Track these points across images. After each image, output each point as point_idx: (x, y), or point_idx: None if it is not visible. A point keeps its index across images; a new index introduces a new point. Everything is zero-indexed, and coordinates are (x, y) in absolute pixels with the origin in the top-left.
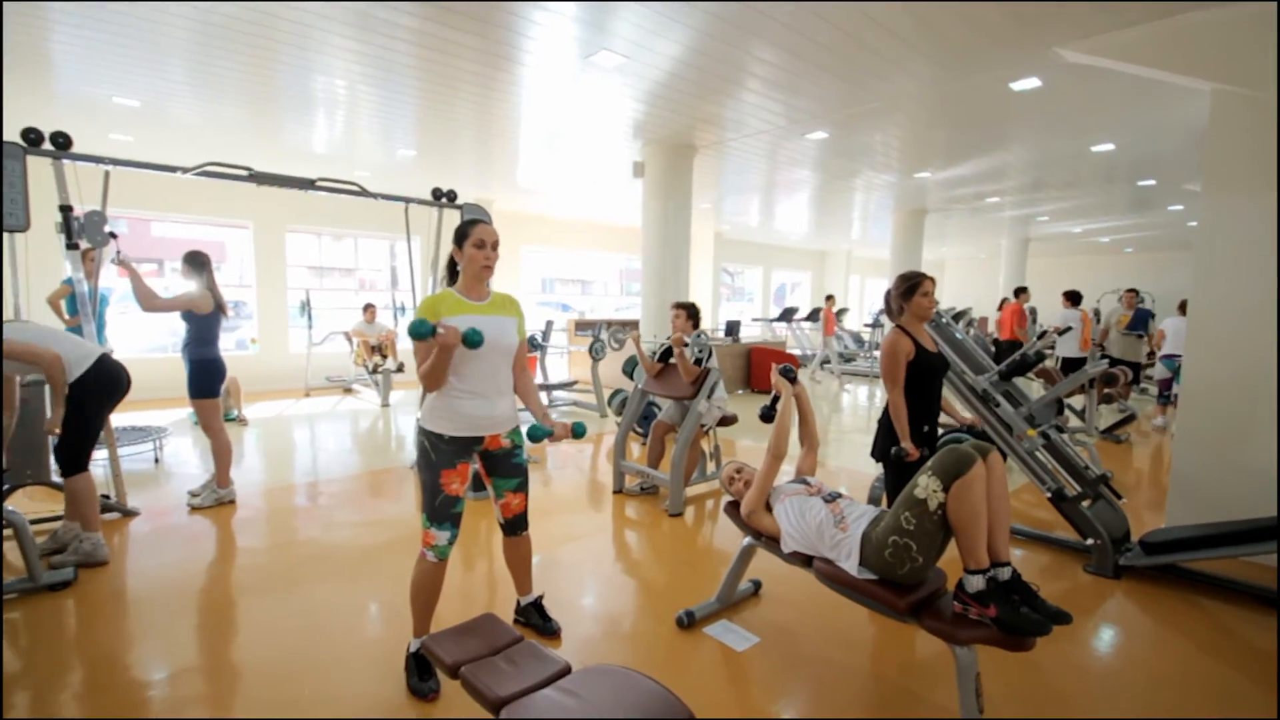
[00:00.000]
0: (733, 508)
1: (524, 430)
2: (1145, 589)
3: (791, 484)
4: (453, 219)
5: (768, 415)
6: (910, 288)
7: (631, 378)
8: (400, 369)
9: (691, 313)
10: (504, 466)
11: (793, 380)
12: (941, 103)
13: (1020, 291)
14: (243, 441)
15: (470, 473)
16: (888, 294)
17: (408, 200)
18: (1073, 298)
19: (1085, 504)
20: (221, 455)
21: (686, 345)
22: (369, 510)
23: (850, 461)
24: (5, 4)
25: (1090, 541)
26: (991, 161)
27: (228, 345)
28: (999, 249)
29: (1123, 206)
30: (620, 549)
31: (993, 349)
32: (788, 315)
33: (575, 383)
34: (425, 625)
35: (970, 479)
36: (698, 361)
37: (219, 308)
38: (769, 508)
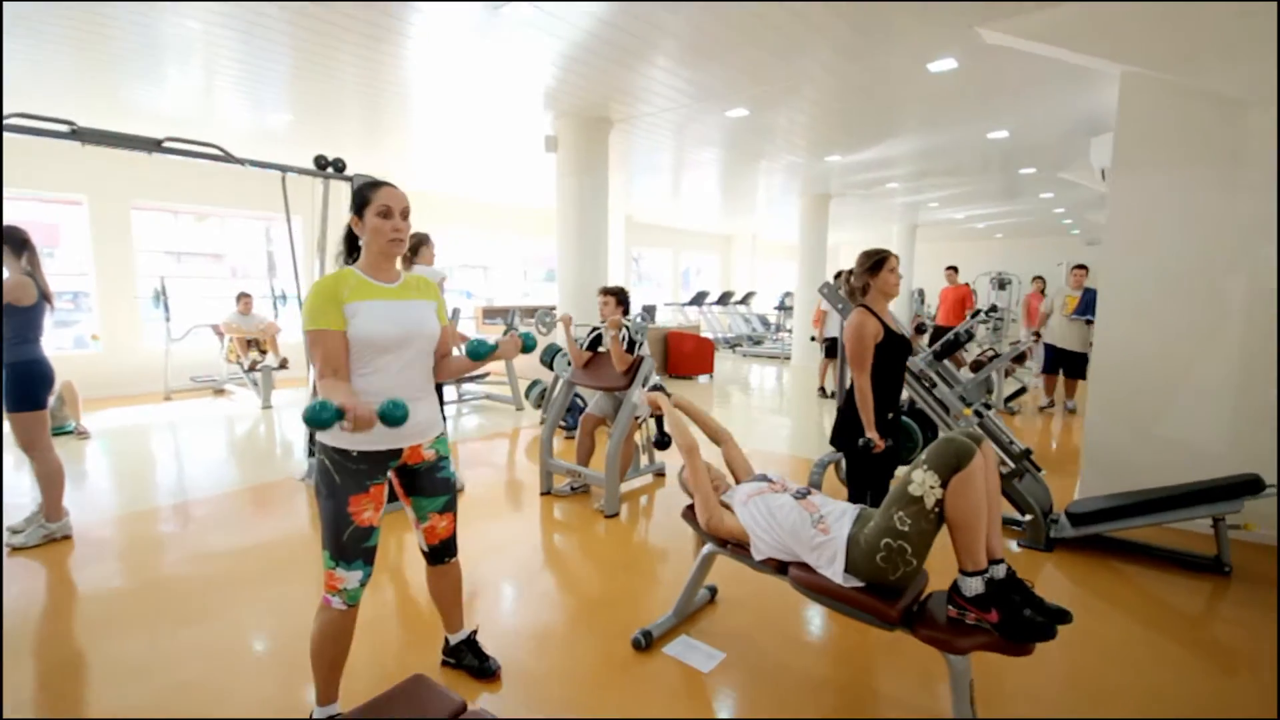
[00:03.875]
0: (693, 513)
1: (463, 349)
2: (1074, 559)
3: (751, 482)
4: (341, 193)
5: (662, 441)
6: (877, 263)
7: (551, 367)
8: (284, 365)
9: (621, 298)
10: (428, 483)
11: (666, 393)
12: (861, 81)
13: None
14: (84, 459)
15: (385, 494)
16: (848, 274)
17: (284, 169)
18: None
19: (1015, 480)
20: (50, 481)
21: (625, 329)
22: (251, 532)
23: (763, 444)
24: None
25: (1027, 517)
26: (898, 146)
27: (62, 343)
28: (889, 234)
29: (1002, 193)
30: (554, 558)
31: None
32: (700, 299)
33: (487, 374)
34: (332, 689)
35: (971, 472)
36: (630, 348)
37: (44, 297)
38: (729, 510)
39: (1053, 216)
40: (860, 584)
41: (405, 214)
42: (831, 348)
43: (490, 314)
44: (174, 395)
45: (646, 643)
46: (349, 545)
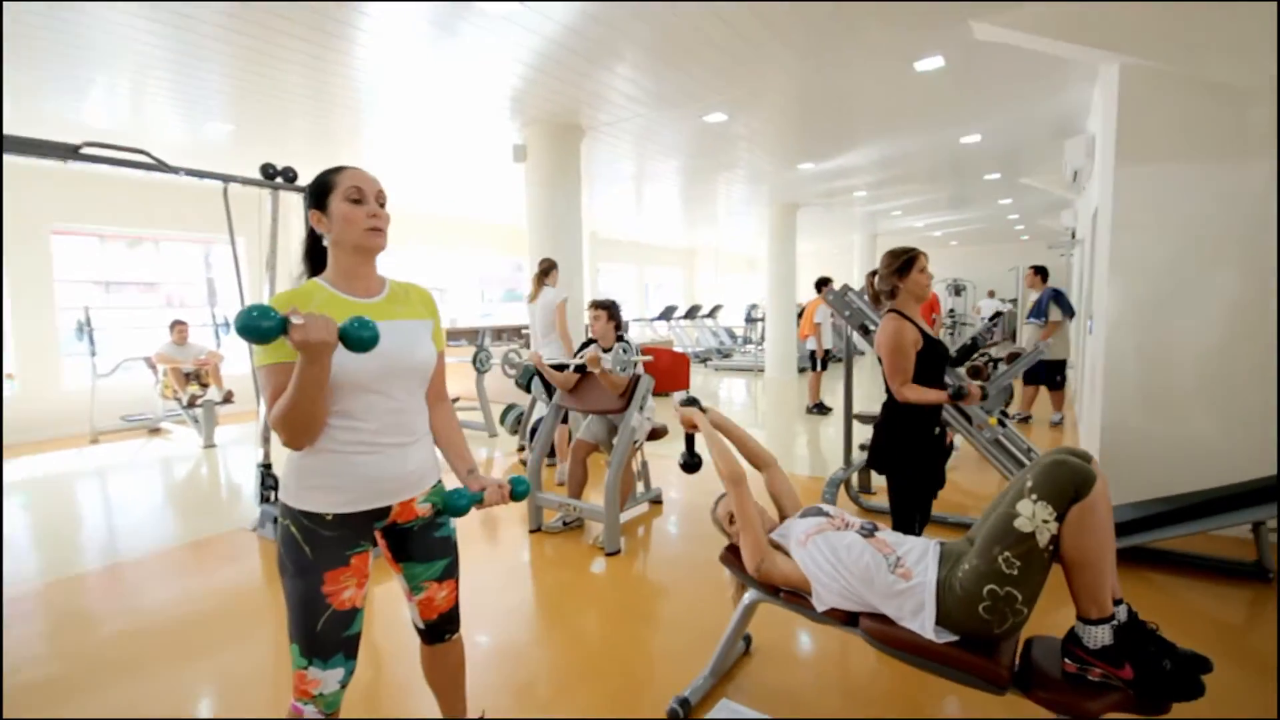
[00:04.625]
0: (734, 555)
1: (440, 504)
2: None
3: (805, 518)
4: (293, 206)
5: (691, 464)
6: (906, 263)
7: (528, 390)
8: (229, 399)
9: (613, 313)
10: (422, 545)
11: (701, 409)
12: (843, 83)
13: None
14: None
15: (369, 565)
16: (872, 276)
17: (226, 178)
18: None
19: None
20: None
21: (604, 367)
22: (197, 597)
23: None
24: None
25: None
26: (871, 152)
27: None
28: (850, 243)
29: (963, 200)
30: (556, 607)
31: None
32: (668, 313)
33: (456, 399)
34: None
35: (1094, 501)
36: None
37: None
38: (781, 551)
39: (1007, 223)
40: (953, 638)
41: (381, 200)
42: (829, 359)
43: (454, 336)
44: (102, 437)
45: (684, 713)
46: (325, 636)
